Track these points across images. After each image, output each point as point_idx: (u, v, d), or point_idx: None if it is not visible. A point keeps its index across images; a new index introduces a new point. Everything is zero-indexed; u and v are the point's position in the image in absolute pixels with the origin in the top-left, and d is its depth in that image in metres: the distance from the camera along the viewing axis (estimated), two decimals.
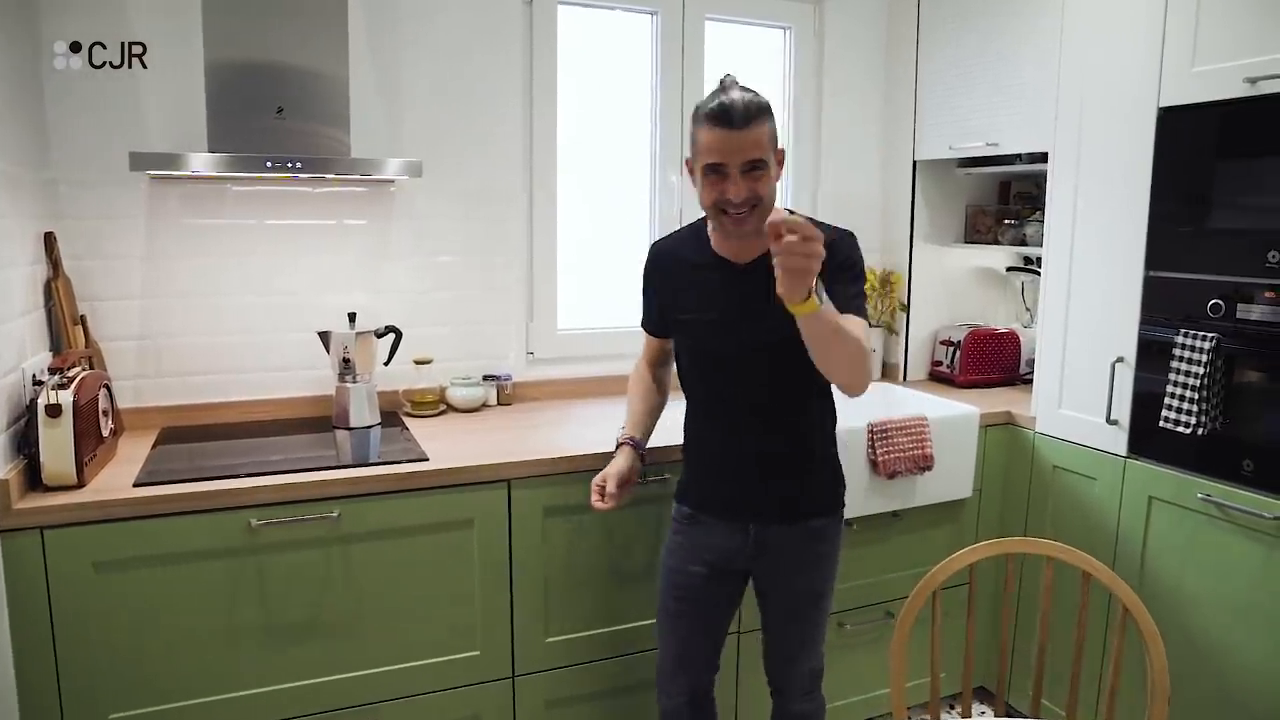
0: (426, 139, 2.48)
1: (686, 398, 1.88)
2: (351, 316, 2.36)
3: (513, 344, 2.68)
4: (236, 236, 2.34)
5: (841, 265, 1.64)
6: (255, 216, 2.35)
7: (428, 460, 2.00)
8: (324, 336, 2.31)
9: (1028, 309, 3.15)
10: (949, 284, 3.13)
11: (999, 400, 2.75)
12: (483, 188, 2.58)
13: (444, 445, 2.14)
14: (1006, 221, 2.95)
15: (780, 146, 1.64)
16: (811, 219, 1.62)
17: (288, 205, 2.38)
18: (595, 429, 2.37)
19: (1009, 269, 3.17)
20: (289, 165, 2.00)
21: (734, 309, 1.72)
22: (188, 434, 2.21)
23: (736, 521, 1.80)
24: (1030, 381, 2.97)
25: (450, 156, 2.52)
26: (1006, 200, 3.10)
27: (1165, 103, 2.12)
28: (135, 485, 1.79)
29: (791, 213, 1.37)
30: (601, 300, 2.84)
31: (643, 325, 1.99)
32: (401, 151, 2.43)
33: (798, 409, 1.77)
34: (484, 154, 2.56)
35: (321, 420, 2.36)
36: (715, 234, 1.75)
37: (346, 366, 2.31)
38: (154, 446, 2.09)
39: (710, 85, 2.87)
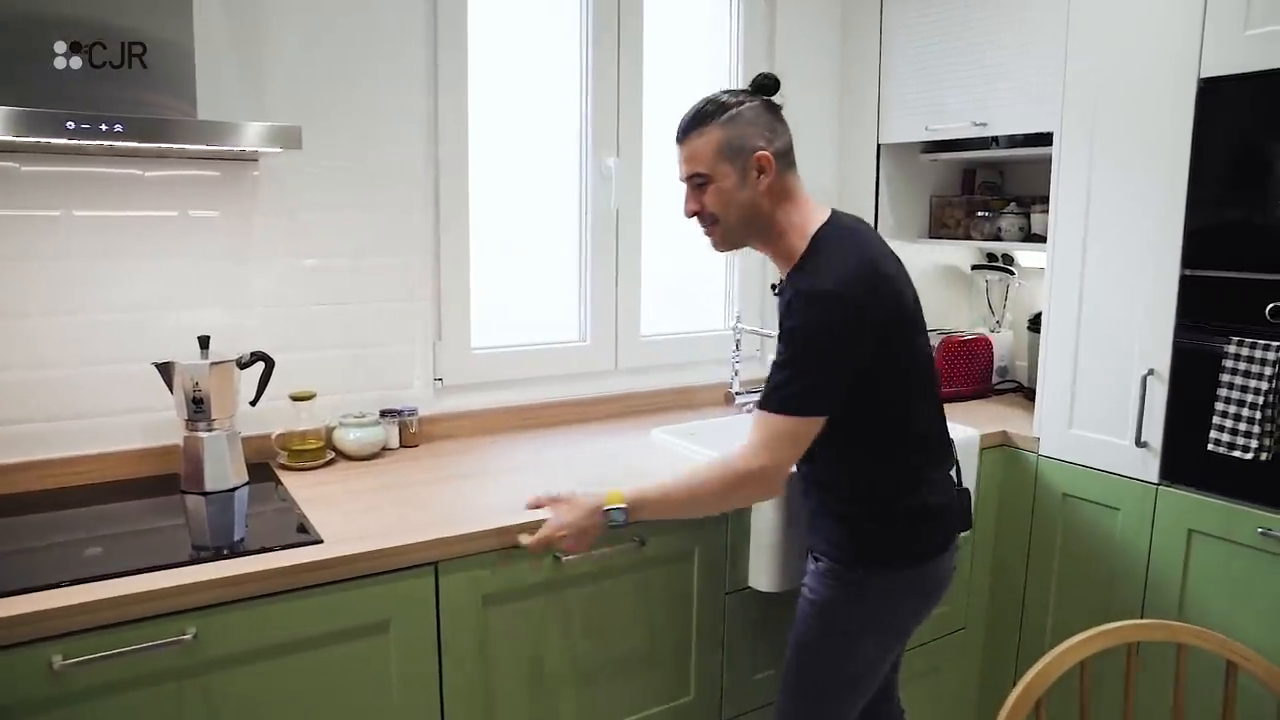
0: (300, 108, 1.90)
1: None
2: (203, 341, 1.75)
3: (417, 369, 2.13)
4: (35, 233, 1.70)
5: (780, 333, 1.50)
6: (60, 206, 1.72)
7: (321, 542, 1.45)
8: (164, 369, 1.71)
9: (993, 313, 2.84)
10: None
11: (983, 417, 2.41)
12: (377, 170, 2.01)
13: (340, 515, 1.58)
14: (979, 214, 2.63)
15: (758, 151, 1.47)
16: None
17: (109, 191, 1.75)
18: (535, 475, 1.86)
19: (974, 267, 2.85)
20: (104, 128, 1.38)
21: None
22: None
23: None
24: (1003, 393, 2.71)
25: (331, 130, 1.95)
26: (970, 190, 2.78)
27: (1208, 73, 1.81)
28: None
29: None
30: (524, 312, 2.33)
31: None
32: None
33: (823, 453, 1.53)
34: (377, 127, 2.00)
35: (165, 482, 1.75)
36: None
37: (198, 408, 1.71)
38: None
39: (650, 56, 2.48)
